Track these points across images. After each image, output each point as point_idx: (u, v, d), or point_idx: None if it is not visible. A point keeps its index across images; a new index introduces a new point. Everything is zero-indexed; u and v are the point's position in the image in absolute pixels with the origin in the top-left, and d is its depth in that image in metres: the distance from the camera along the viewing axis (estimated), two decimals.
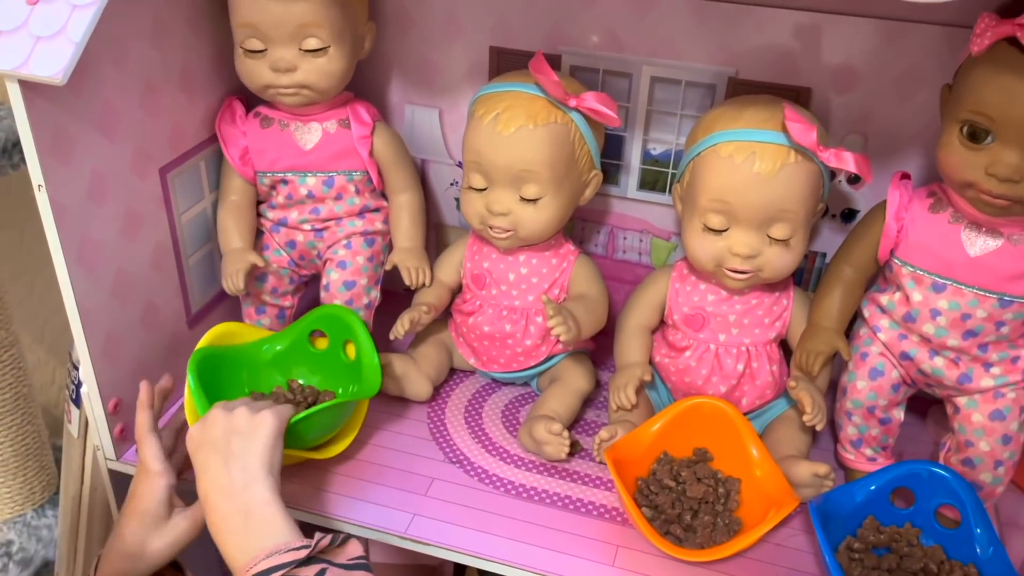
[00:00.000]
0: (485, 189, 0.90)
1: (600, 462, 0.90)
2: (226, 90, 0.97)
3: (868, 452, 0.88)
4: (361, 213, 0.99)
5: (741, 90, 0.90)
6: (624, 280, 1.07)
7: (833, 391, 0.90)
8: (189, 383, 0.81)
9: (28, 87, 0.70)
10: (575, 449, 0.92)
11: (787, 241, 0.82)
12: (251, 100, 0.96)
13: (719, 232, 0.83)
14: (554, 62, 0.94)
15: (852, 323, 0.88)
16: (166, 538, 0.77)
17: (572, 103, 0.85)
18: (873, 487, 0.82)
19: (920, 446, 0.96)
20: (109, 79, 0.80)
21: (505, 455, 0.92)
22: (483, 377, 1.04)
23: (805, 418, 0.83)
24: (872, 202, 0.85)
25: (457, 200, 1.09)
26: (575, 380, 0.97)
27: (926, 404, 0.98)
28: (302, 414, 0.78)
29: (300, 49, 0.87)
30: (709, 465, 0.87)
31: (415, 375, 0.96)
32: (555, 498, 0.87)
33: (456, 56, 1.00)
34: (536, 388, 1.02)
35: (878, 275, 0.86)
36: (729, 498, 0.84)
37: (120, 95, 0.81)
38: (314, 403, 0.89)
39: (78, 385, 0.88)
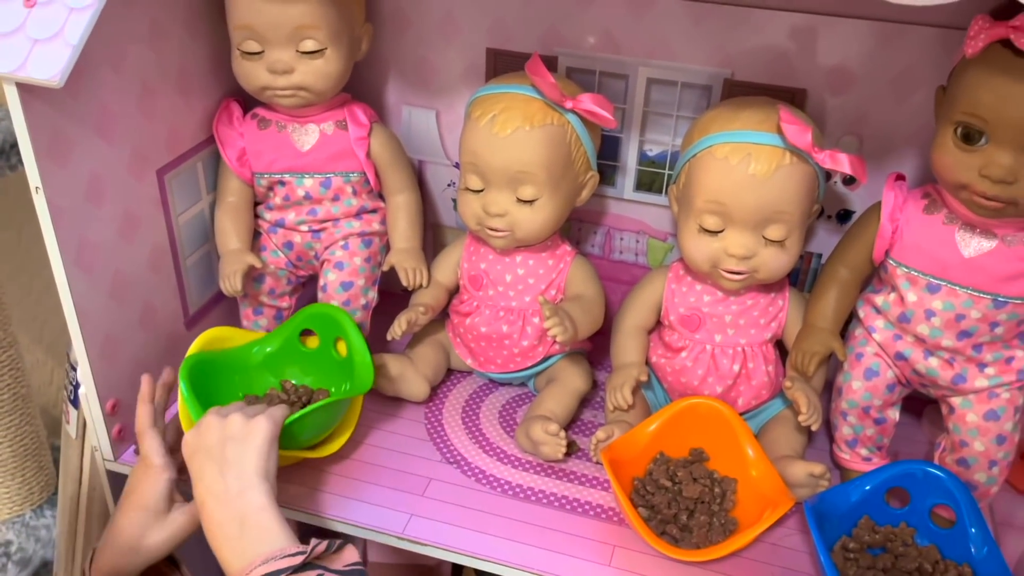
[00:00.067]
0: (482, 190, 0.90)
1: (597, 462, 0.90)
2: (223, 92, 0.97)
3: (863, 452, 0.88)
4: (358, 214, 0.99)
5: (737, 91, 0.91)
6: (621, 281, 1.07)
7: (829, 391, 0.91)
8: (181, 390, 0.81)
9: (25, 90, 0.70)
10: (572, 449, 0.93)
11: (783, 242, 0.82)
12: (248, 102, 0.96)
13: (715, 233, 0.83)
14: (550, 64, 0.95)
15: (847, 324, 0.89)
16: (165, 532, 0.77)
17: (568, 105, 0.86)
18: (868, 487, 0.82)
19: (915, 446, 0.96)
20: (106, 81, 0.80)
21: (502, 455, 0.93)
22: (480, 377, 1.04)
23: (801, 418, 0.83)
24: (867, 203, 0.85)
25: (454, 201, 1.09)
26: (572, 380, 0.97)
27: (921, 404, 0.99)
28: (296, 415, 0.79)
29: (297, 51, 0.88)
30: (705, 465, 0.88)
31: (412, 376, 0.96)
32: (552, 498, 0.87)
33: (453, 57, 1.00)
34: (533, 388, 1.02)
35: (873, 276, 0.86)
36: (725, 498, 0.85)
37: (117, 97, 0.82)
38: (309, 402, 0.89)
39: (76, 386, 0.88)
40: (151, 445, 0.79)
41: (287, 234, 0.99)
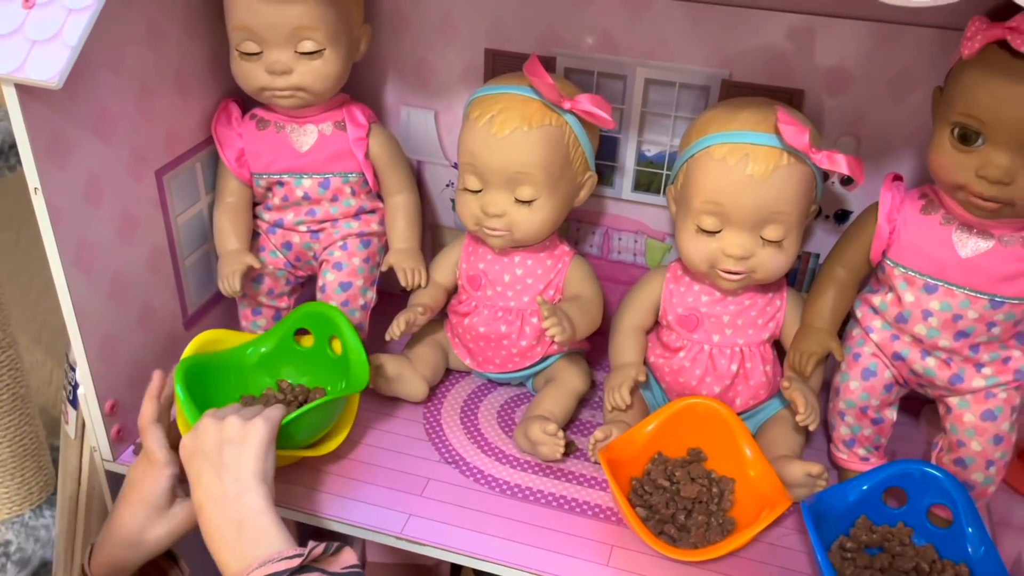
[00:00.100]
0: (480, 191, 0.90)
1: (595, 462, 0.90)
2: (222, 92, 0.97)
3: (861, 452, 0.88)
4: (357, 214, 0.99)
5: (735, 92, 0.91)
6: (619, 281, 1.08)
7: (826, 391, 0.91)
8: (177, 394, 0.81)
9: (24, 91, 0.70)
10: (570, 449, 0.93)
11: (780, 242, 0.83)
12: (247, 102, 0.96)
13: (712, 233, 0.83)
14: (549, 64, 0.95)
15: (845, 324, 0.89)
16: (166, 527, 0.77)
17: (566, 105, 0.86)
18: (865, 487, 0.82)
19: (913, 446, 0.96)
20: (105, 82, 0.80)
21: (500, 455, 0.93)
22: (479, 377, 1.05)
23: (798, 418, 0.83)
24: (865, 203, 0.85)
25: (453, 201, 1.09)
26: (570, 380, 0.97)
27: (919, 404, 0.99)
28: (292, 415, 0.79)
29: (296, 52, 0.88)
30: (703, 465, 0.88)
31: (411, 376, 0.97)
32: (550, 498, 0.88)
33: (451, 58, 1.00)
34: (531, 388, 1.02)
35: (871, 276, 0.86)
36: (723, 498, 0.85)
37: (116, 98, 0.82)
38: (305, 401, 0.89)
39: (75, 386, 0.88)
40: (155, 440, 0.79)
41: (286, 234, 0.99)
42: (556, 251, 0.96)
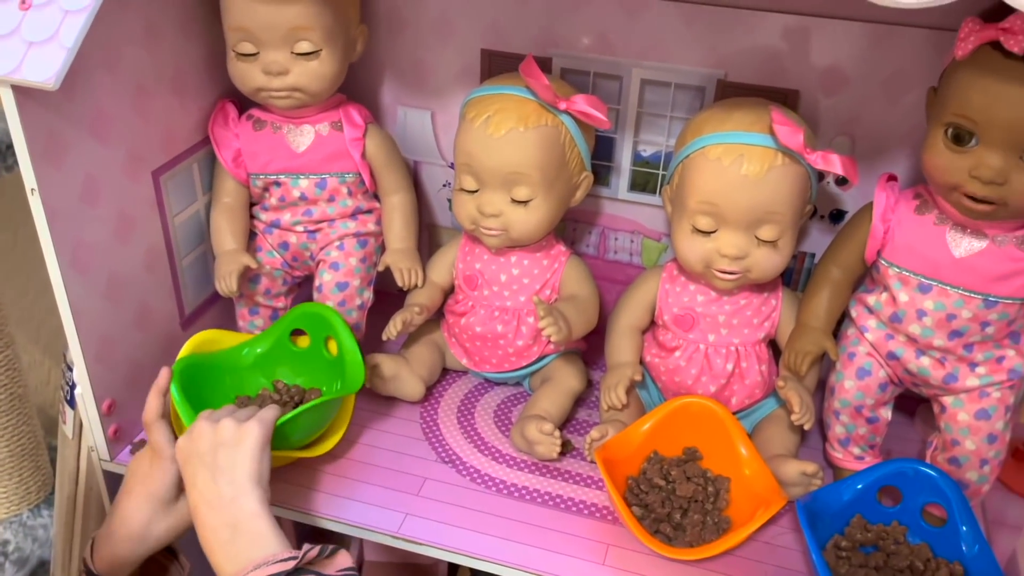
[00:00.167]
0: (476, 191, 0.91)
1: (591, 461, 0.91)
2: (218, 93, 0.97)
3: (856, 451, 0.89)
4: (354, 215, 0.99)
5: (730, 92, 0.91)
6: (615, 280, 1.08)
7: (821, 390, 0.91)
8: (173, 395, 0.81)
9: (21, 92, 0.71)
10: (566, 449, 0.93)
11: (775, 242, 0.83)
12: (244, 103, 0.96)
13: (708, 234, 0.84)
14: (545, 65, 0.95)
15: (840, 323, 0.89)
16: (171, 520, 0.78)
17: (562, 106, 0.86)
18: (860, 486, 0.82)
19: (908, 445, 0.97)
20: (101, 83, 0.80)
21: (497, 455, 0.93)
22: (475, 377, 1.05)
23: (793, 417, 0.83)
24: (860, 203, 0.85)
25: (450, 201, 1.10)
26: (567, 380, 0.97)
27: (914, 403, 0.99)
28: (288, 415, 0.79)
29: (292, 52, 0.88)
30: (699, 464, 0.88)
31: (407, 375, 0.97)
32: (546, 497, 0.88)
33: (448, 58, 1.01)
34: (528, 388, 1.03)
35: (865, 276, 0.86)
36: (718, 497, 0.85)
37: (112, 99, 0.82)
38: (301, 402, 0.89)
39: (72, 386, 0.89)
40: (161, 435, 0.79)
41: (283, 235, 0.99)
42: (552, 251, 0.97)
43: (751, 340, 0.90)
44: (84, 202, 0.81)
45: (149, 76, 0.87)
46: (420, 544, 0.83)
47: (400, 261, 0.98)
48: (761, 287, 0.89)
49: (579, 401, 1.00)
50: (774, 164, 0.80)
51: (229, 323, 1.04)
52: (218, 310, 1.05)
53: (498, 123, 0.86)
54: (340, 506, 0.86)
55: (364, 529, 0.84)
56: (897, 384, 0.86)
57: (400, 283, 0.98)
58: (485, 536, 0.83)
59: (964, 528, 0.79)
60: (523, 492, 0.88)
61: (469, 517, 0.85)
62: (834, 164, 0.78)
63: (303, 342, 0.94)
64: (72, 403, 0.90)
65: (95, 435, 0.89)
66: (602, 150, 0.99)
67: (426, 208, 1.11)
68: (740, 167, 0.80)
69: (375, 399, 0.98)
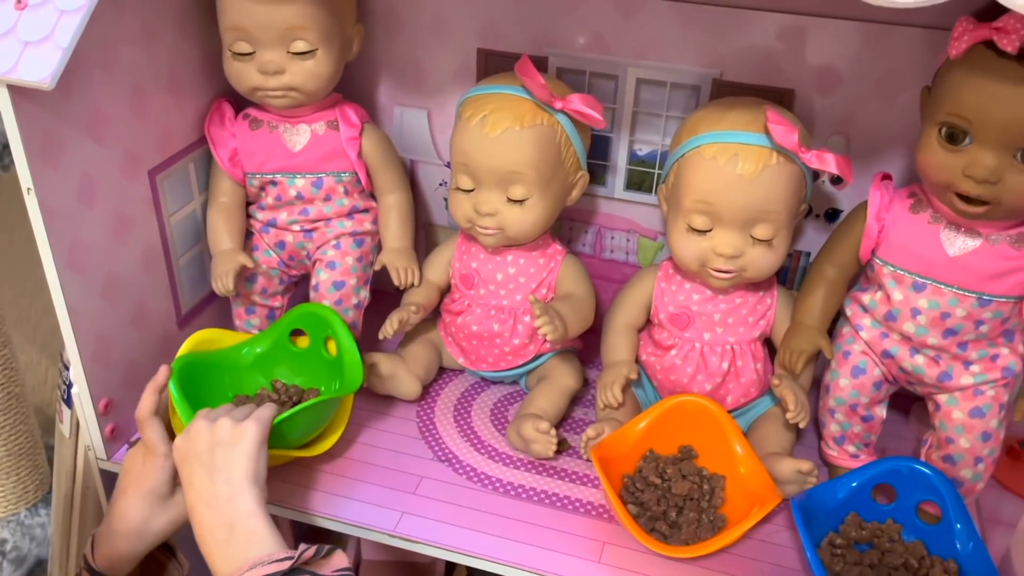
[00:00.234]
0: (473, 190, 0.91)
1: (587, 460, 0.91)
2: (215, 92, 0.97)
3: (851, 449, 0.89)
4: (350, 214, 0.99)
5: (725, 92, 0.91)
6: (612, 279, 1.08)
7: (816, 389, 0.92)
8: (171, 392, 0.81)
9: (17, 91, 0.71)
10: (563, 447, 0.93)
11: (770, 241, 0.83)
12: (240, 102, 0.97)
13: (703, 232, 0.84)
14: (541, 64, 0.95)
15: (835, 322, 0.89)
16: (169, 515, 0.78)
17: (558, 105, 0.86)
18: (855, 484, 0.83)
19: (902, 443, 0.97)
20: (98, 83, 0.80)
21: (493, 453, 0.93)
22: (472, 376, 1.05)
23: (788, 416, 0.84)
24: (855, 202, 0.86)
25: (446, 200, 1.09)
26: (563, 378, 0.98)
27: (909, 401, 0.99)
28: (285, 414, 0.79)
29: (288, 52, 0.88)
30: (694, 462, 0.88)
31: (404, 374, 0.97)
32: (543, 495, 0.88)
33: (444, 58, 1.01)
34: (524, 386, 1.03)
35: (860, 274, 0.87)
36: (714, 495, 0.86)
37: (109, 98, 0.82)
38: (299, 402, 0.89)
39: (69, 385, 0.89)
40: (155, 432, 0.79)
41: (279, 234, 1.00)
42: (549, 250, 0.97)
43: (746, 339, 0.90)
44: (80, 201, 0.81)
45: (145, 76, 0.87)
46: (417, 543, 0.83)
47: (396, 260, 0.99)
48: (756, 286, 0.90)
49: (575, 400, 1.00)
50: (769, 163, 0.80)
51: (225, 322, 1.04)
52: (214, 309, 1.05)
53: (494, 122, 0.86)
54: (337, 505, 0.86)
55: (361, 528, 0.84)
56: (892, 382, 0.86)
57: (396, 282, 0.98)
58: (481, 534, 0.83)
59: (958, 526, 0.79)
60: (519, 490, 0.89)
61: (466, 516, 0.85)
62: (829, 163, 0.78)
63: (302, 342, 0.94)
64: (69, 402, 0.90)
65: (92, 434, 0.89)
66: (598, 149, 0.99)
67: (422, 207, 1.11)
68: (735, 166, 0.80)
69: (372, 398, 0.98)
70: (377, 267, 1.00)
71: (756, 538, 0.84)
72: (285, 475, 0.88)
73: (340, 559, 0.68)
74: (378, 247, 1.02)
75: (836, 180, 0.94)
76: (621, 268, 1.08)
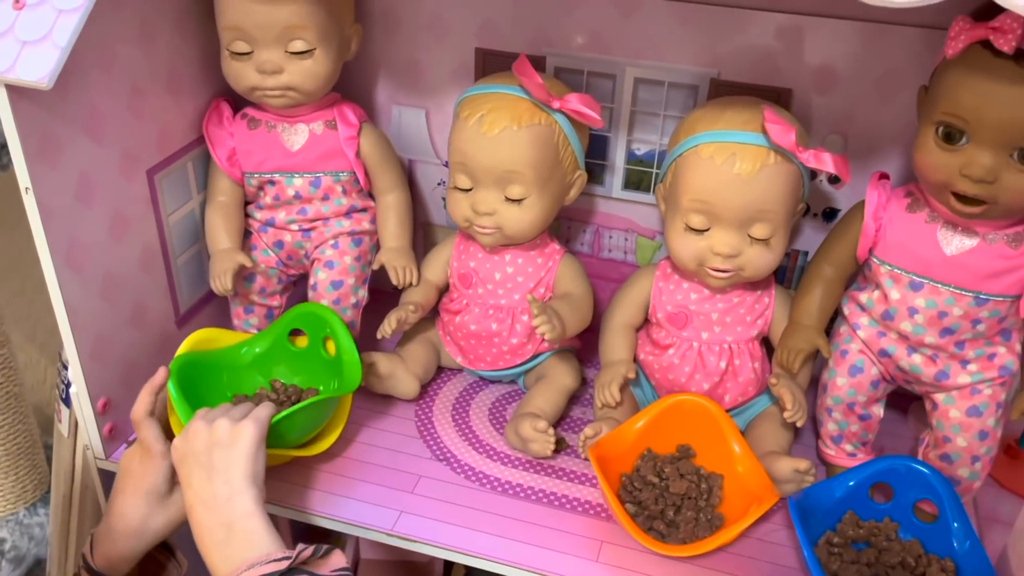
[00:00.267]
0: (471, 189, 0.91)
1: (585, 459, 0.91)
2: (213, 92, 0.97)
3: (848, 448, 0.89)
4: (348, 213, 1.00)
5: (723, 91, 0.91)
6: (610, 279, 1.08)
7: (814, 388, 0.92)
8: (170, 392, 0.81)
9: (15, 91, 0.71)
10: (561, 446, 0.94)
11: (767, 240, 0.83)
12: (238, 102, 0.97)
13: (701, 232, 0.84)
14: (539, 64, 0.95)
15: (833, 321, 0.90)
16: (167, 514, 0.78)
17: (556, 104, 0.86)
18: (852, 482, 0.83)
19: (900, 442, 0.97)
20: (96, 82, 0.80)
21: (492, 452, 0.94)
22: (470, 375, 1.05)
23: (786, 415, 0.84)
24: (853, 201, 0.86)
25: (444, 199, 1.10)
26: (561, 378, 0.98)
27: (906, 400, 1.00)
28: (283, 413, 0.79)
29: (286, 51, 0.88)
30: (692, 461, 0.89)
31: (402, 373, 0.97)
32: (540, 495, 0.88)
33: (442, 57, 1.01)
34: (523, 386, 1.03)
35: (858, 273, 0.87)
36: (711, 494, 0.86)
37: (107, 98, 0.82)
38: (298, 402, 0.89)
39: (68, 385, 0.89)
40: (151, 432, 0.79)
41: (277, 233, 1.00)
42: (547, 249, 0.97)
43: (744, 338, 0.90)
44: (79, 201, 0.81)
45: (144, 75, 0.87)
46: (415, 542, 0.83)
47: (395, 259, 0.99)
48: (754, 285, 0.90)
49: (573, 399, 1.00)
50: (766, 163, 0.80)
51: (224, 322, 1.04)
52: (213, 309, 1.05)
53: (492, 122, 0.87)
54: (335, 504, 0.86)
55: (359, 527, 0.84)
56: (889, 381, 0.86)
57: (395, 281, 0.99)
58: (480, 533, 0.83)
59: (955, 524, 0.79)
60: (517, 489, 0.89)
61: (464, 514, 0.85)
62: (826, 162, 0.79)
63: (301, 342, 0.94)
64: (67, 402, 0.90)
65: (90, 433, 0.89)
66: (596, 148, 0.99)
67: (421, 206, 1.11)
68: (733, 165, 0.80)
69: (370, 397, 0.98)
70: (375, 266, 1.00)
71: (754, 537, 0.84)
72: (283, 474, 0.88)
73: (338, 559, 0.68)
74: (376, 246, 1.02)
75: (834, 179, 0.94)
76: (619, 267, 1.08)
